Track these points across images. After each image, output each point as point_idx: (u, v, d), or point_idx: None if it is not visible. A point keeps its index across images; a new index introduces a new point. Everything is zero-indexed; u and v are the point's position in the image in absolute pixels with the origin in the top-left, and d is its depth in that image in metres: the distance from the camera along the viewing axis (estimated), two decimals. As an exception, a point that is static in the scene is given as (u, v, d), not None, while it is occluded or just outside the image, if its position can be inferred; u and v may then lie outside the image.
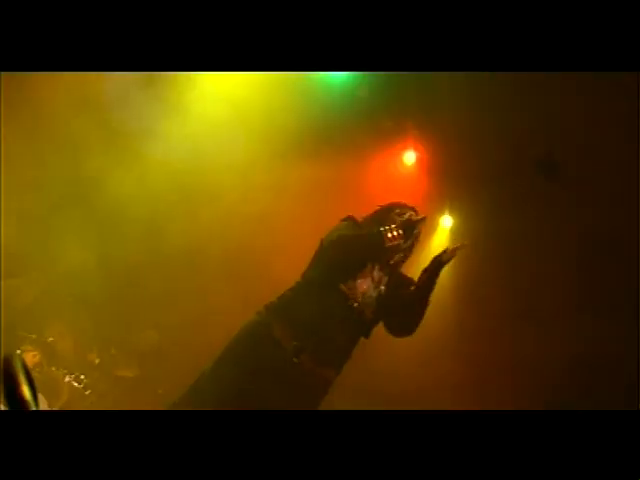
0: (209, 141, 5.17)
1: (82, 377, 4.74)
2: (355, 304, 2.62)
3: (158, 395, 5.19)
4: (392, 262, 2.78)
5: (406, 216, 2.76)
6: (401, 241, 2.62)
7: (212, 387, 2.49)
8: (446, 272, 2.89)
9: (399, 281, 2.83)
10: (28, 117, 4.83)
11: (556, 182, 5.46)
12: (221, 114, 5.16)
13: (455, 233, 6.39)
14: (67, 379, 4.67)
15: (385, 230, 2.58)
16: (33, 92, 4.64)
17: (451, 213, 6.43)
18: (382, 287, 2.74)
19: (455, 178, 5.98)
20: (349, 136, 5.61)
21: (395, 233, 2.57)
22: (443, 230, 6.51)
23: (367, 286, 2.67)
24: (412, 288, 2.78)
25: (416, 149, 6.08)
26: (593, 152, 5.05)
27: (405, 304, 2.74)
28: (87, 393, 4.76)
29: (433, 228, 6.51)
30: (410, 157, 6.13)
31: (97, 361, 5.13)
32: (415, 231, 2.68)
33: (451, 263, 2.81)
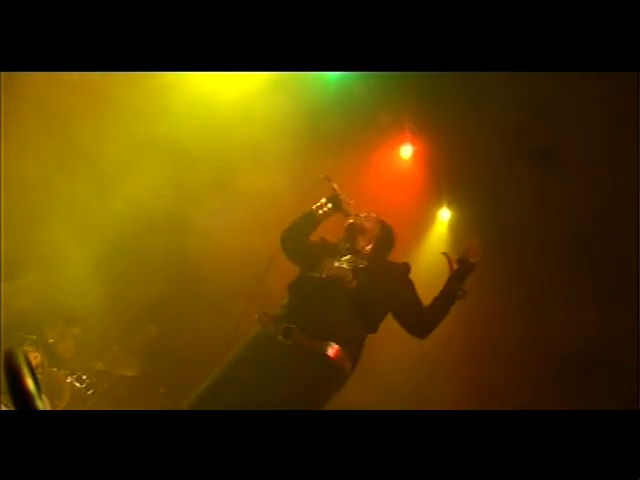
0: (205, 140, 5.15)
1: (84, 377, 4.74)
2: (324, 276, 2.76)
3: (159, 394, 5.21)
4: (360, 248, 2.94)
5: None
6: (329, 211, 2.91)
7: (227, 391, 2.46)
8: (445, 268, 2.93)
9: (386, 265, 2.99)
10: (30, 117, 4.82)
11: (554, 174, 5.46)
12: (217, 113, 5.14)
13: (453, 226, 6.41)
14: (69, 380, 4.67)
15: (316, 207, 2.91)
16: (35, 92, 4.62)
17: (449, 206, 6.45)
18: (355, 263, 2.84)
19: (452, 171, 5.99)
20: (346, 132, 5.60)
21: (322, 204, 2.90)
22: (441, 223, 6.54)
23: (330, 261, 2.83)
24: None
25: (413, 143, 6.09)
26: (590, 145, 5.05)
27: (421, 311, 2.91)
28: (89, 393, 4.76)
29: (431, 221, 6.54)
30: (407, 151, 6.14)
31: (98, 361, 5.15)
32: (341, 203, 2.92)
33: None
